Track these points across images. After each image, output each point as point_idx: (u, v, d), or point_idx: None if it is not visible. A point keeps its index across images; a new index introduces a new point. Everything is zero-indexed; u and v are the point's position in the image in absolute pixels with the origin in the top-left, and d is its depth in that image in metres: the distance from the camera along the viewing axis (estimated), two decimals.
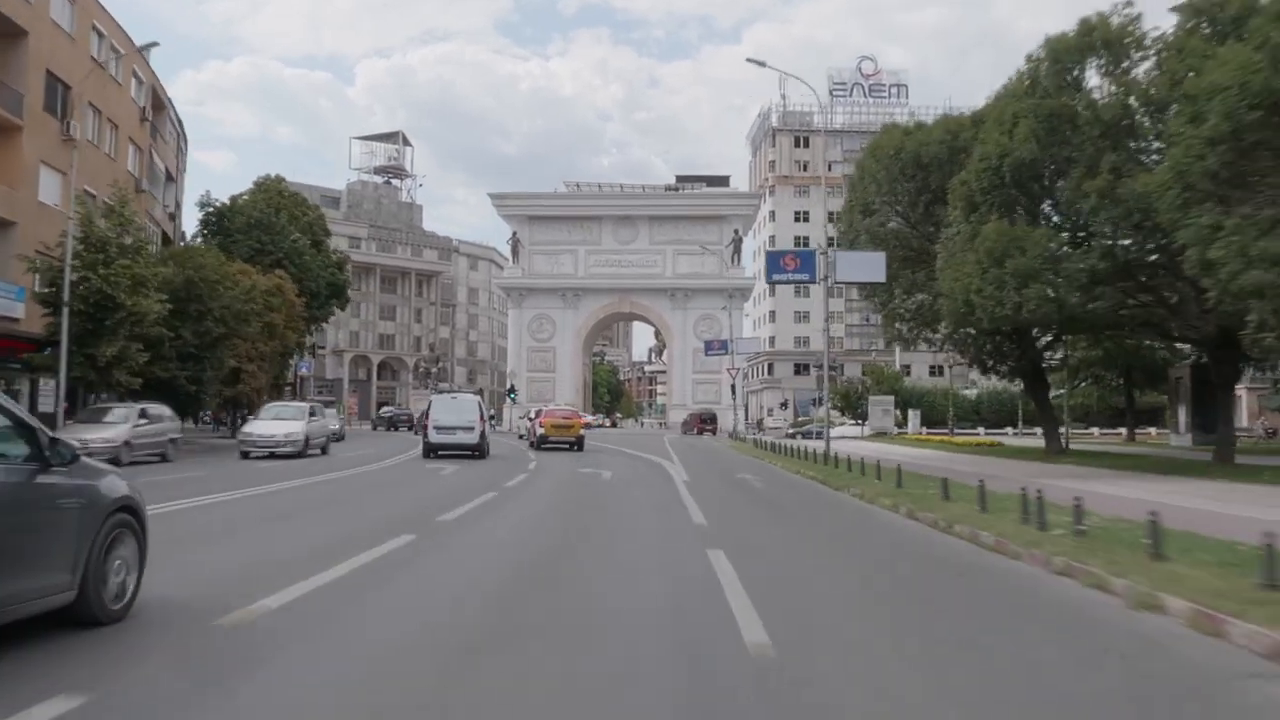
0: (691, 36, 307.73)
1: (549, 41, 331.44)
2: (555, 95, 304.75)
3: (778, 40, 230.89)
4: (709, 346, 54.72)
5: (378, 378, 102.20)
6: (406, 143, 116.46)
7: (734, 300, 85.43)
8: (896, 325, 30.87)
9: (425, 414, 29.10)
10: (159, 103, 46.92)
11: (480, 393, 53.18)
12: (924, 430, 49.61)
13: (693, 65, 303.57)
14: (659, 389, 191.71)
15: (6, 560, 4.46)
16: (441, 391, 40.84)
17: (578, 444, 32.00)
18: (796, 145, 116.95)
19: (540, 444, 32.13)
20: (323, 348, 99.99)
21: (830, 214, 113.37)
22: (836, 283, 25.34)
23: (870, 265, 24.35)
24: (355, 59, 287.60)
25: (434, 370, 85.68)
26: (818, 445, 31.90)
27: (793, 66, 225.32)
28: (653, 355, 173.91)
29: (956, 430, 50.48)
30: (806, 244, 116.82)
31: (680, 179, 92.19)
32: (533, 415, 38.12)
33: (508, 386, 64.19)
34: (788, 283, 24.74)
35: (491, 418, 33.80)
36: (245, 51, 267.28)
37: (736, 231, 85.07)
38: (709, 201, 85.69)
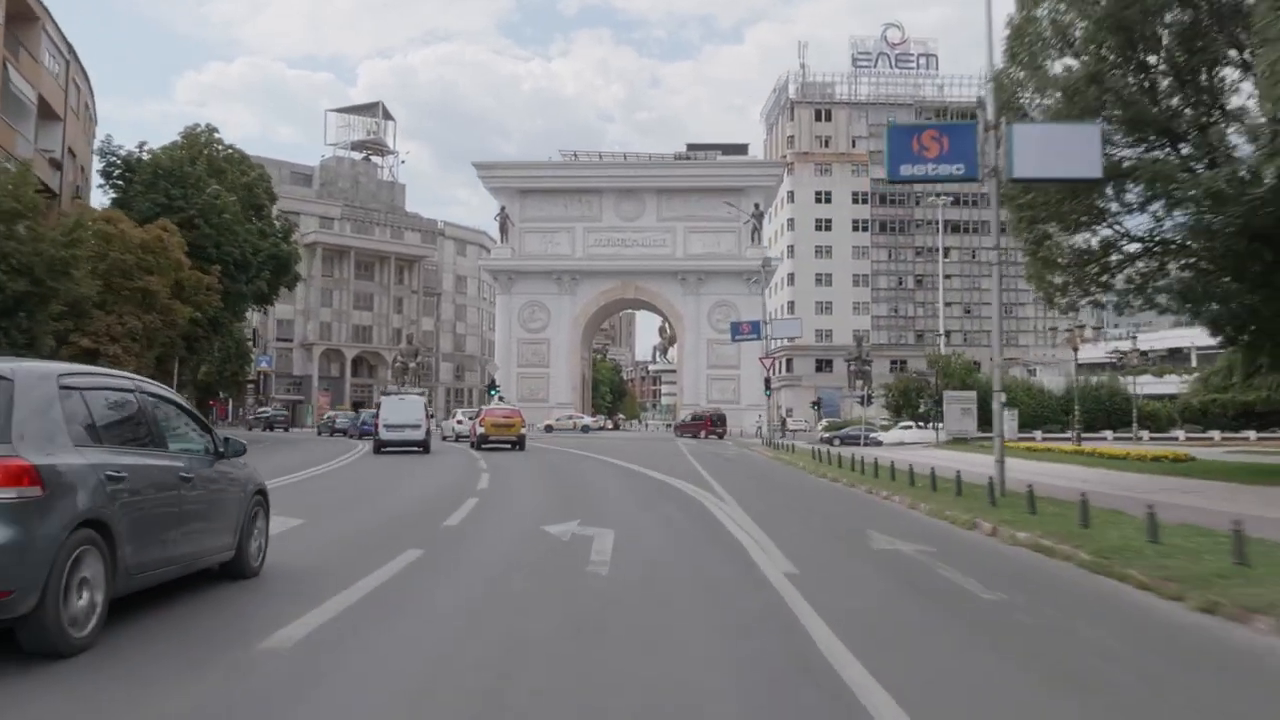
0: (693, 36, 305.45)
1: (550, 42, 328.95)
2: (556, 95, 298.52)
3: (779, 40, 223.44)
4: (736, 330, 43.49)
5: (352, 374, 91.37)
6: (388, 116, 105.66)
7: (753, 284, 74.53)
8: (1051, 278, 19.83)
9: (375, 414, 32.75)
10: (25, 11, 36.13)
11: (425, 392, 46.86)
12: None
13: (694, 65, 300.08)
14: (664, 389, 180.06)
15: (200, 525, 6.30)
16: (390, 393, 39.63)
17: (519, 443, 31.79)
18: (817, 119, 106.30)
19: (480, 443, 31.56)
20: (289, 340, 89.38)
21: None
22: (1015, 180, 14.23)
23: (1074, 146, 13.41)
24: (357, 60, 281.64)
25: (412, 366, 74.69)
26: (886, 456, 22.17)
27: (795, 65, 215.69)
28: (657, 354, 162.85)
29: (1055, 436, 39.65)
30: (829, 228, 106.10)
31: (692, 148, 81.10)
32: (461, 418, 40.23)
33: (488, 382, 53.84)
34: (923, 180, 13.24)
35: (431, 417, 32.51)
36: (246, 53, 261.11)
37: (757, 205, 74.16)
38: (726, 171, 74.75)
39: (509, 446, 31.24)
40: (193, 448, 6.58)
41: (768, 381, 40.08)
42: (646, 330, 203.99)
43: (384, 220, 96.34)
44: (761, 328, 40.82)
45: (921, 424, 44.47)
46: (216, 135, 49.73)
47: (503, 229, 75.16)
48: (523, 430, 32.42)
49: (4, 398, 4.73)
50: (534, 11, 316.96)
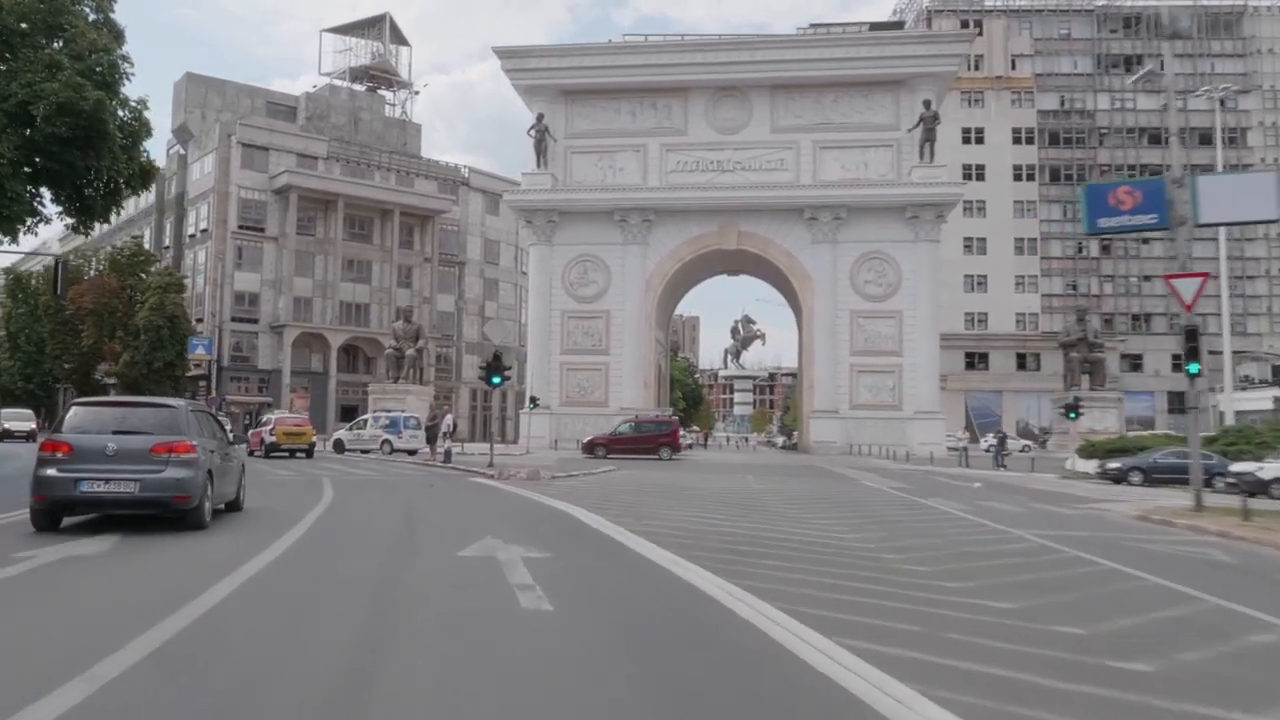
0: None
1: None
2: None
3: None
4: (1099, 203, 16.81)
5: (339, 368, 67.22)
6: (399, 38, 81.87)
7: (921, 225, 48.70)
8: None
9: None
10: None
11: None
12: None
13: None
14: (735, 398, 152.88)
15: (227, 479, 12.35)
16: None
17: (308, 452, 32.30)
18: (964, 30, 79.55)
19: (269, 452, 31.84)
20: (251, 320, 65.68)
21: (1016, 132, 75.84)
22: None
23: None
24: (416, 74, 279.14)
25: (410, 353, 50.08)
26: None
27: None
28: (728, 358, 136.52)
29: None
30: (981, 177, 79.44)
31: (817, 27, 55.18)
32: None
33: (486, 362, 29.09)
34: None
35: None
36: (309, 70, 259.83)
37: (928, 104, 48.14)
38: (878, 52, 48.85)
39: (297, 454, 31.76)
40: (223, 438, 12.68)
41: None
42: (712, 335, 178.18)
43: (388, 163, 72.21)
44: (1166, 195, 14.86)
45: None
46: None
47: (539, 147, 50.25)
48: (313, 439, 33.30)
49: (176, 416, 11.02)
50: (589, 24, 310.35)
